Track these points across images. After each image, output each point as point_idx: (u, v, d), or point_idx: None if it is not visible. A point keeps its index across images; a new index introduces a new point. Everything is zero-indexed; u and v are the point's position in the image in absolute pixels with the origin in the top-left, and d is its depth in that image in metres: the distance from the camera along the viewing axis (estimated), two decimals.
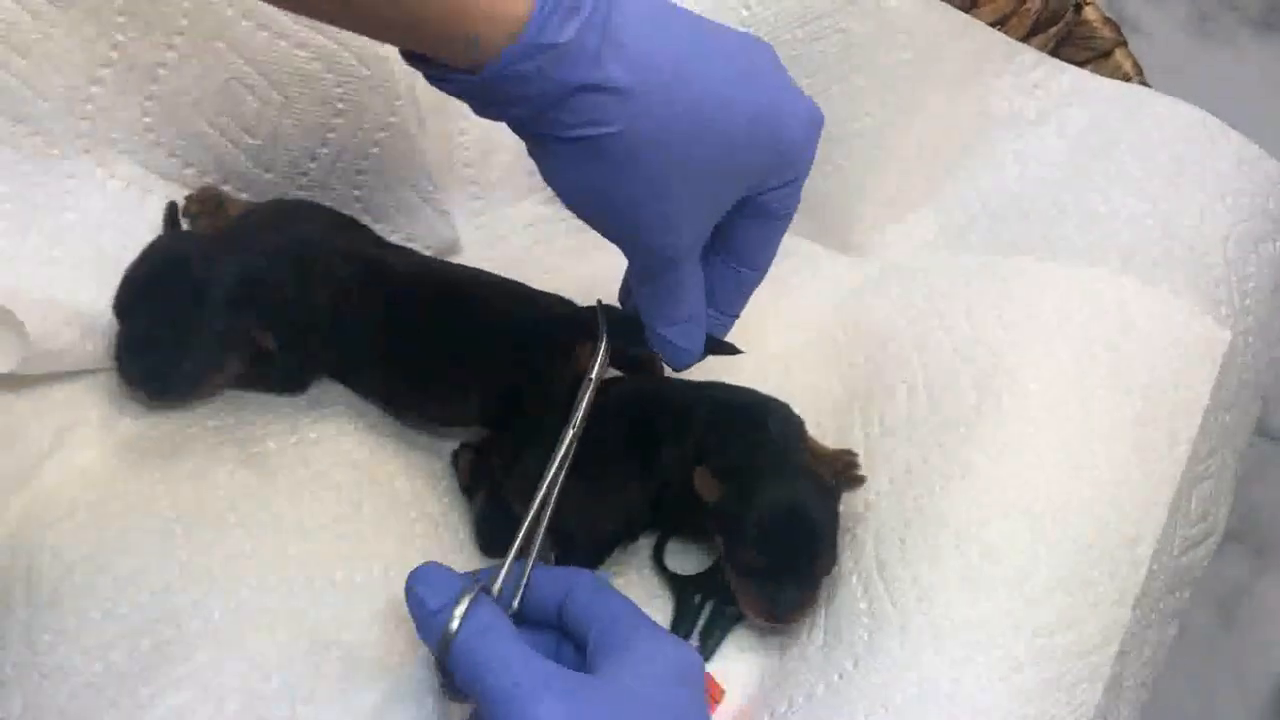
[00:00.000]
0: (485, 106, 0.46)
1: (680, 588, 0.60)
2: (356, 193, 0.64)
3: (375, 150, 0.63)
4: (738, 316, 0.56)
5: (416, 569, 0.50)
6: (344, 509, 0.58)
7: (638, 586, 0.61)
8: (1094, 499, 0.55)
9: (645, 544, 0.62)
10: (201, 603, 0.53)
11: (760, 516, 0.56)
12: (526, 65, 0.43)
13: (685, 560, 0.62)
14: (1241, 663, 0.78)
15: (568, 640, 0.51)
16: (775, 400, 0.61)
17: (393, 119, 0.62)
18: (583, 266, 0.68)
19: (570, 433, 0.54)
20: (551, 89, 0.44)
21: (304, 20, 0.59)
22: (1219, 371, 0.59)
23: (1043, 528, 0.54)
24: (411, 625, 0.50)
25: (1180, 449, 0.57)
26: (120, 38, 0.59)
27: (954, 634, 0.53)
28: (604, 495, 0.58)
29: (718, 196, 0.49)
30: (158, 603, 0.53)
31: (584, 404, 0.54)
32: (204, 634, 0.52)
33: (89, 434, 0.58)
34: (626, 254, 0.51)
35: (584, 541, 0.58)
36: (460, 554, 0.59)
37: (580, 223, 0.68)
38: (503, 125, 0.66)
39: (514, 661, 0.46)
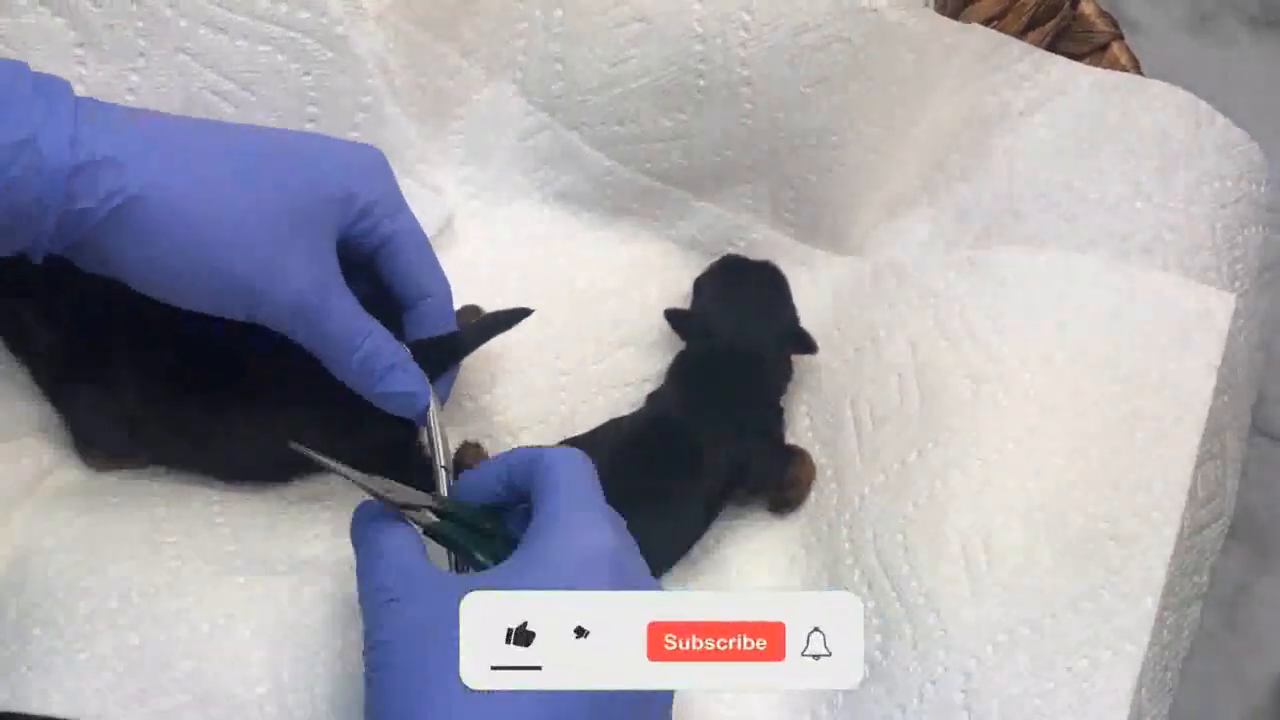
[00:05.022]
0: (28, 238, 0.47)
1: None
2: None
3: (355, 134, 0.62)
4: (450, 330, 0.58)
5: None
6: (336, 517, 0.58)
7: None
8: (1102, 487, 0.55)
9: None
10: (188, 611, 0.52)
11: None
12: (14, 170, 0.45)
13: None
14: (1241, 663, 0.77)
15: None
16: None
17: (366, 98, 0.62)
18: (586, 270, 0.68)
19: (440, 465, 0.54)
20: (49, 181, 0.46)
21: (260, 15, 0.59)
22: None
23: (1048, 522, 0.54)
24: None
25: (1191, 420, 0.57)
26: (82, 70, 0.58)
27: (965, 634, 0.52)
28: (672, 523, 0.59)
29: (287, 241, 0.51)
30: (146, 605, 0.52)
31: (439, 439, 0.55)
32: (191, 642, 0.52)
33: None
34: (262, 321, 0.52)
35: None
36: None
37: (584, 225, 0.69)
38: (498, 124, 0.67)
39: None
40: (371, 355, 0.53)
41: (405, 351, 0.55)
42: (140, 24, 0.58)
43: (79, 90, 0.58)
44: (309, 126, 0.62)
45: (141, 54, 0.59)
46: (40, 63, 0.57)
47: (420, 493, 0.50)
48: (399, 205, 0.56)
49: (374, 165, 0.55)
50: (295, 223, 0.51)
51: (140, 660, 0.51)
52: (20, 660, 0.51)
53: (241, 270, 0.50)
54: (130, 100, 0.59)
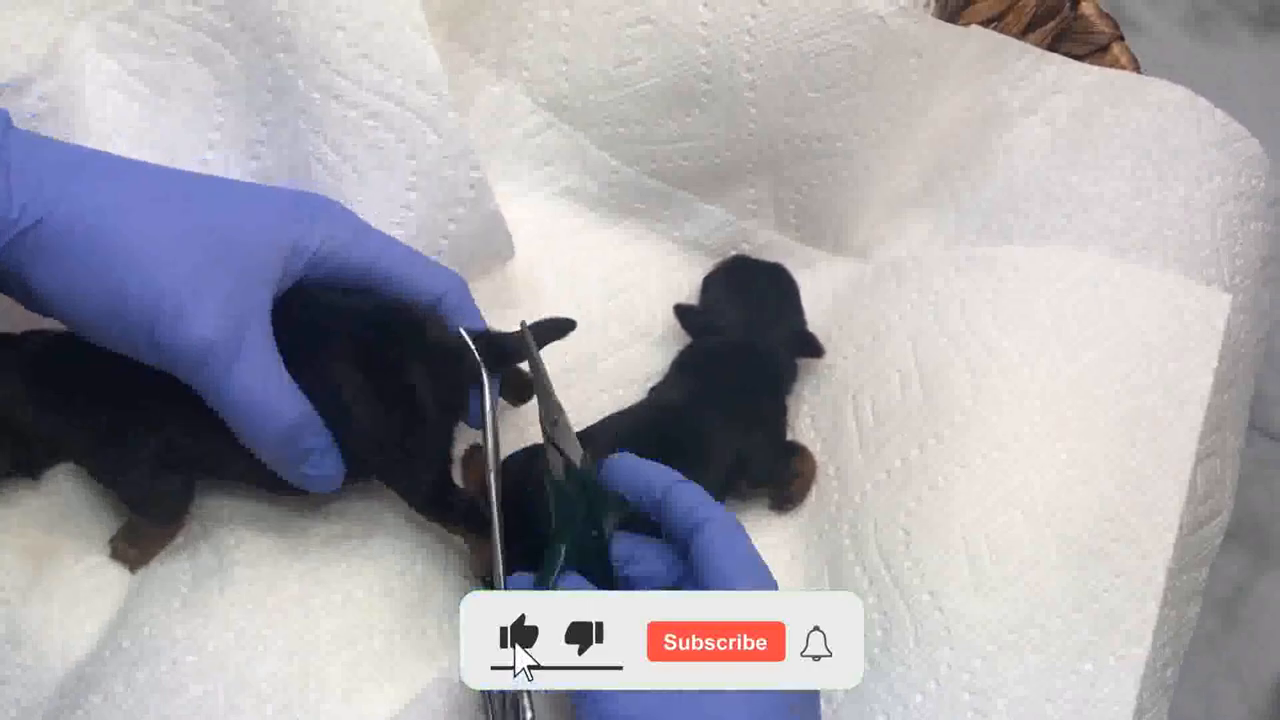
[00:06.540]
0: None
1: None
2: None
3: (453, 226, 0.60)
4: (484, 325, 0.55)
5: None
6: (343, 529, 0.57)
7: None
8: (1104, 484, 0.55)
9: None
10: (198, 635, 0.52)
11: None
12: None
13: None
14: (1241, 663, 0.78)
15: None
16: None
17: (470, 192, 0.60)
18: (592, 268, 0.68)
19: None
20: None
21: (370, 87, 0.57)
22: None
23: (1051, 519, 0.54)
24: (415, 641, 0.50)
25: (1190, 421, 0.57)
26: (220, 119, 0.59)
27: (970, 632, 0.52)
28: None
29: (205, 278, 0.46)
30: (156, 636, 0.52)
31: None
32: (199, 666, 0.51)
33: None
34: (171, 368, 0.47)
35: None
36: (462, 566, 0.58)
37: (589, 224, 0.69)
38: (504, 122, 0.67)
39: None
40: (296, 431, 0.49)
41: (326, 433, 0.50)
42: (270, 79, 0.58)
43: (216, 138, 0.59)
44: (405, 214, 0.59)
45: (270, 108, 0.58)
46: (183, 111, 0.59)
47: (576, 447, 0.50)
48: (362, 233, 0.53)
49: (320, 209, 0.52)
50: (217, 262, 0.47)
51: (149, 695, 0.50)
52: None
53: (140, 298, 0.45)
54: (260, 149, 0.59)
